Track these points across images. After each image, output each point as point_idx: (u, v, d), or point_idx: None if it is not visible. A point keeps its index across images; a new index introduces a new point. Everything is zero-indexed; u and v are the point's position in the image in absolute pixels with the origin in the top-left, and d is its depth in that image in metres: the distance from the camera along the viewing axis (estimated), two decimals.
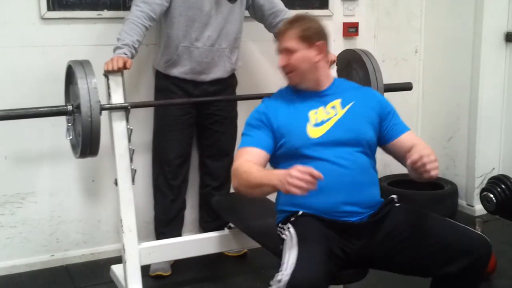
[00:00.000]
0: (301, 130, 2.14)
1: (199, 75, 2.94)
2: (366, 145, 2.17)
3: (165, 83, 2.98)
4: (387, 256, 2.06)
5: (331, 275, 1.88)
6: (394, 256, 2.05)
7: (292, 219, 2.08)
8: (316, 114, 2.18)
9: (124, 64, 2.52)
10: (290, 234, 1.98)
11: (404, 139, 2.22)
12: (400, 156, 2.22)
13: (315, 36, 2.19)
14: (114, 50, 2.60)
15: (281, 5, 3.07)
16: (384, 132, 2.24)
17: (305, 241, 1.91)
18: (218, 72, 2.98)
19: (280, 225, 2.13)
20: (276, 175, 1.88)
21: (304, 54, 2.17)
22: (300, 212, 2.09)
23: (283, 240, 2.02)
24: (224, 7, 2.89)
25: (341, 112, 2.20)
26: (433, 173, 1.93)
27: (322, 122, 2.16)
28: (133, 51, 2.64)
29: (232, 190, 2.94)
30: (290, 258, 1.84)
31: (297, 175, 1.77)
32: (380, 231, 2.08)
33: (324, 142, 2.13)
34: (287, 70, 2.21)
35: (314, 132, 2.14)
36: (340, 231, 2.05)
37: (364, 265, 2.11)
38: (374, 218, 2.11)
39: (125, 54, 2.59)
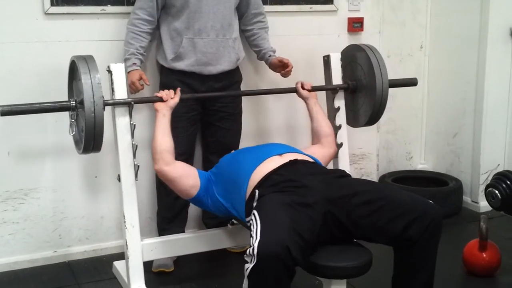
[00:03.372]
0: None
1: (205, 66, 2.93)
2: None
3: (170, 80, 2.97)
4: (352, 222, 2.16)
5: (299, 235, 1.98)
6: (358, 221, 2.16)
7: (254, 204, 2.20)
8: None
9: (141, 77, 2.83)
10: (254, 217, 2.07)
11: None
12: None
13: None
14: (124, 61, 2.82)
15: (263, 9, 3.14)
16: None
17: (265, 215, 2.06)
18: (225, 63, 2.97)
19: (247, 219, 2.23)
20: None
21: None
22: (255, 192, 2.24)
23: (250, 225, 2.09)
24: None
25: None
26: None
27: None
28: (140, 57, 2.88)
29: None
30: (256, 233, 1.97)
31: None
32: (337, 186, 2.23)
33: None
34: None
35: None
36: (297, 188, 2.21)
37: (334, 230, 2.18)
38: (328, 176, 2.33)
39: (134, 63, 2.84)
